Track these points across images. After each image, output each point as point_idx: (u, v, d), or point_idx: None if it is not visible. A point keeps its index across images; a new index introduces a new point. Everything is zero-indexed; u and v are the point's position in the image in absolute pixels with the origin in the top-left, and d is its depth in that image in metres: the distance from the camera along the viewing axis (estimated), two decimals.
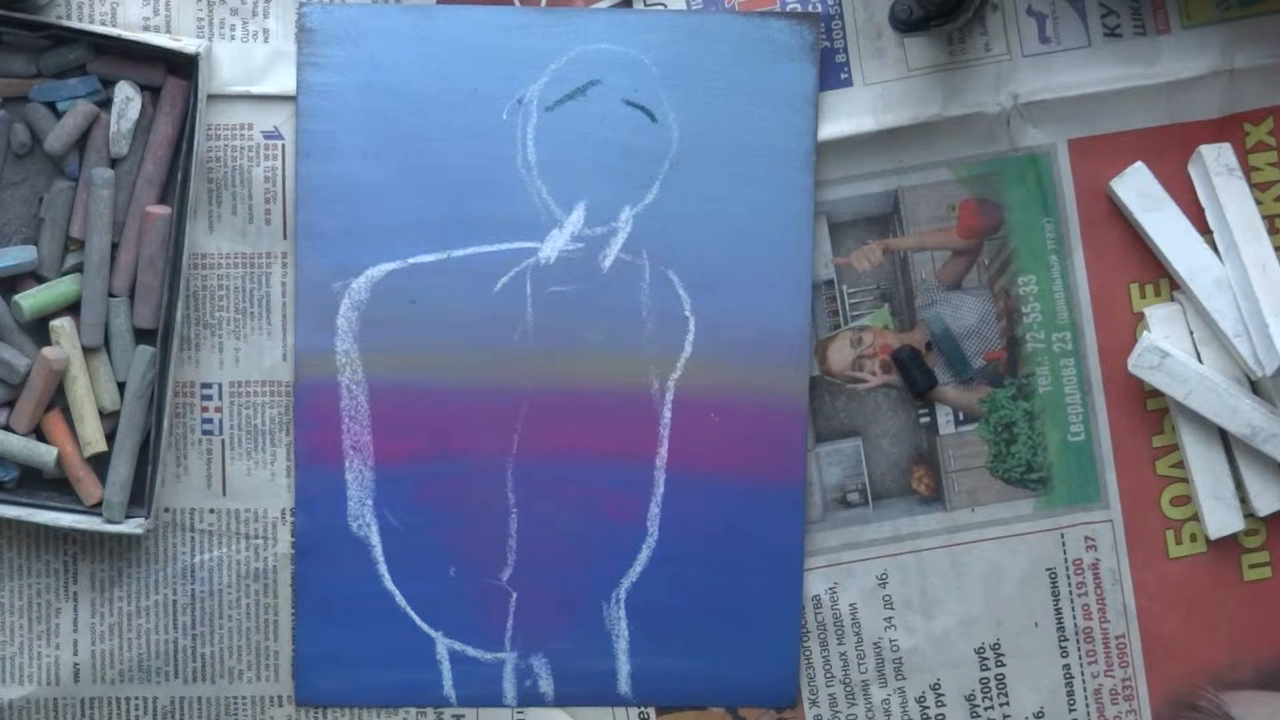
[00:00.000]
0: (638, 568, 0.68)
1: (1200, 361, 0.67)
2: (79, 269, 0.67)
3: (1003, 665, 0.69)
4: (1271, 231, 0.67)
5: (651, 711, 0.69)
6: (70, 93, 0.66)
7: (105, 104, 0.67)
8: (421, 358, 0.67)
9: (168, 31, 0.67)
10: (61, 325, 0.66)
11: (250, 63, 0.67)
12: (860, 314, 0.69)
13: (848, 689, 0.69)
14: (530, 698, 0.69)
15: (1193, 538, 0.69)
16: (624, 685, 0.69)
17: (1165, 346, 0.66)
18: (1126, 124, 0.68)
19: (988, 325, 0.69)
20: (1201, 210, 0.68)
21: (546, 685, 0.69)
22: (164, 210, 0.66)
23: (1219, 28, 0.68)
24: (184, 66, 0.66)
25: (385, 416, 0.67)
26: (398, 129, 0.66)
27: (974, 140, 0.68)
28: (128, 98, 0.66)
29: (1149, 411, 0.69)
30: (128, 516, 0.67)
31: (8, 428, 0.67)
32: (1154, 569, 0.69)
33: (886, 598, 0.69)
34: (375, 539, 0.68)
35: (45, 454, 0.67)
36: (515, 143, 0.67)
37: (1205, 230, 0.67)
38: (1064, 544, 0.69)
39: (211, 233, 0.68)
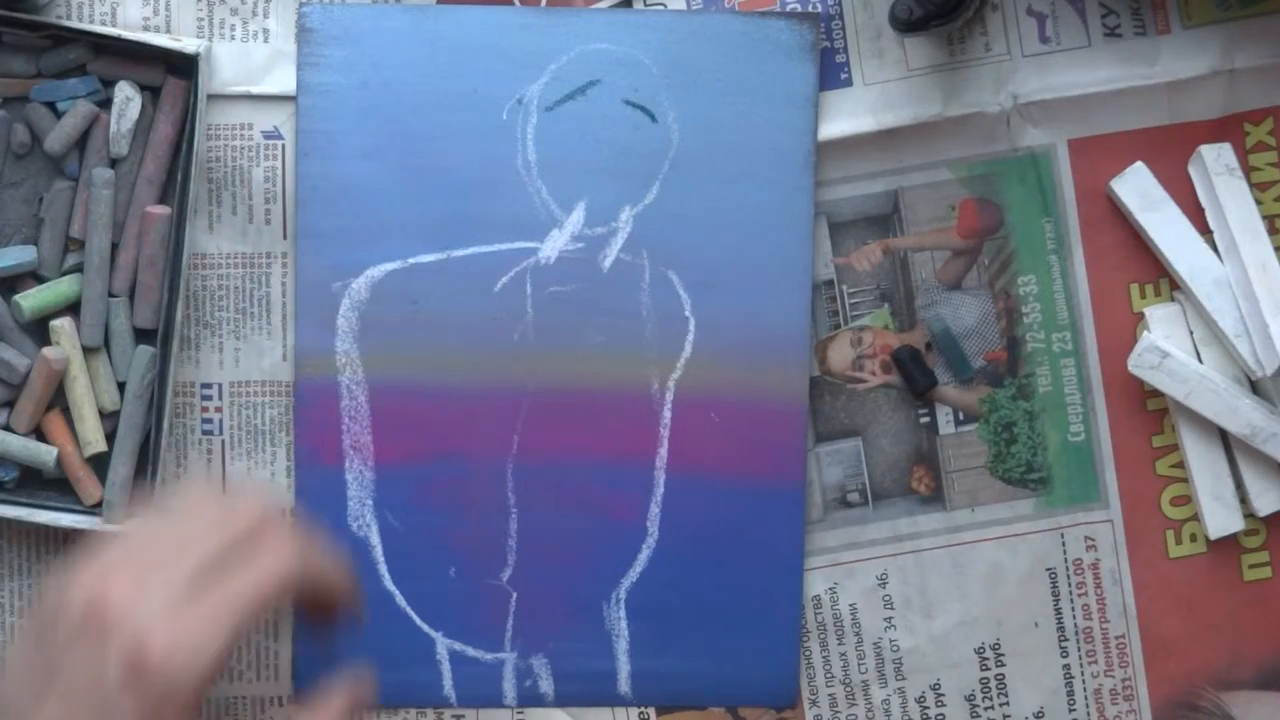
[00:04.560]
0: (638, 568, 0.68)
1: (1200, 361, 0.67)
2: (79, 269, 0.67)
3: (1003, 665, 0.69)
4: (1271, 231, 0.67)
5: (651, 711, 0.69)
6: (70, 93, 0.66)
7: (105, 104, 0.66)
8: (421, 358, 0.67)
9: (168, 31, 0.67)
10: (61, 325, 0.66)
11: (250, 63, 0.67)
12: (860, 314, 0.69)
13: (848, 689, 0.69)
14: (530, 698, 0.69)
15: (1193, 538, 0.69)
16: (624, 685, 0.69)
17: (1165, 346, 0.66)
18: (1126, 124, 0.68)
19: (988, 325, 0.69)
20: (1201, 210, 0.68)
21: (546, 685, 0.69)
22: (164, 210, 0.66)
23: (1219, 28, 0.68)
24: (184, 66, 0.66)
25: (385, 417, 0.67)
26: (398, 129, 0.66)
27: (974, 140, 0.68)
28: (128, 98, 0.66)
29: (1149, 411, 0.69)
30: (128, 517, 0.67)
31: (8, 428, 0.67)
32: (1154, 569, 0.69)
33: (886, 598, 0.69)
34: (375, 539, 0.68)
35: (45, 454, 0.67)
36: (515, 143, 0.67)
37: (1205, 230, 0.67)
38: (1064, 544, 0.69)
39: (211, 233, 0.68)
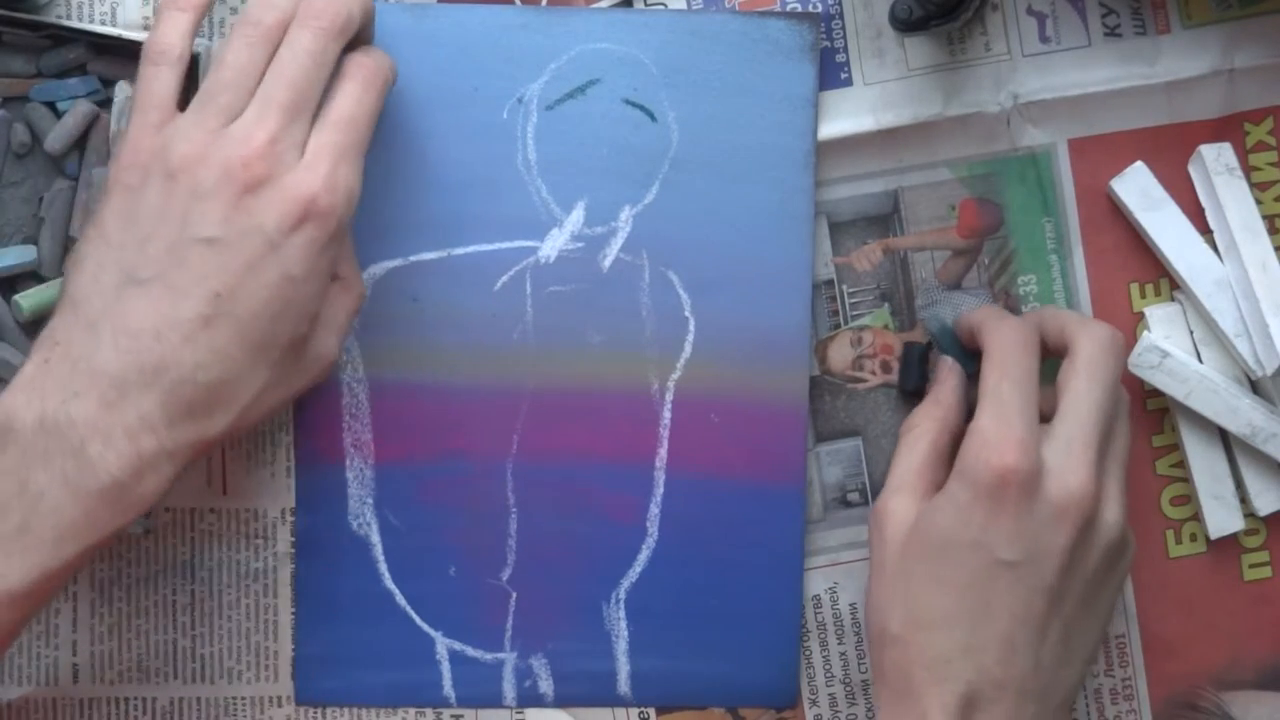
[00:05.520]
0: (637, 568, 0.68)
1: (1200, 361, 0.67)
2: None
3: None
4: (1271, 231, 0.67)
5: (651, 712, 0.69)
6: (70, 93, 0.66)
7: (105, 104, 0.67)
8: (422, 355, 0.67)
9: None
10: None
11: None
12: (860, 314, 0.69)
13: (848, 689, 0.69)
14: (530, 698, 0.69)
15: (1193, 538, 0.69)
16: (624, 685, 0.69)
17: (1165, 346, 0.66)
18: (1126, 124, 0.68)
19: None
20: (1201, 210, 0.68)
21: (546, 686, 0.69)
22: None
23: (1219, 28, 0.68)
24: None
25: (386, 415, 0.67)
26: (398, 127, 0.66)
27: (974, 140, 0.68)
28: (128, 98, 0.66)
29: (1149, 411, 0.69)
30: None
31: None
32: (1154, 569, 0.69)
33: None
34: (376, 538, 0.68)
35: None
36: (515, 142, 0.67)
37: (1205, 230, 0.68)
38: None
39: None
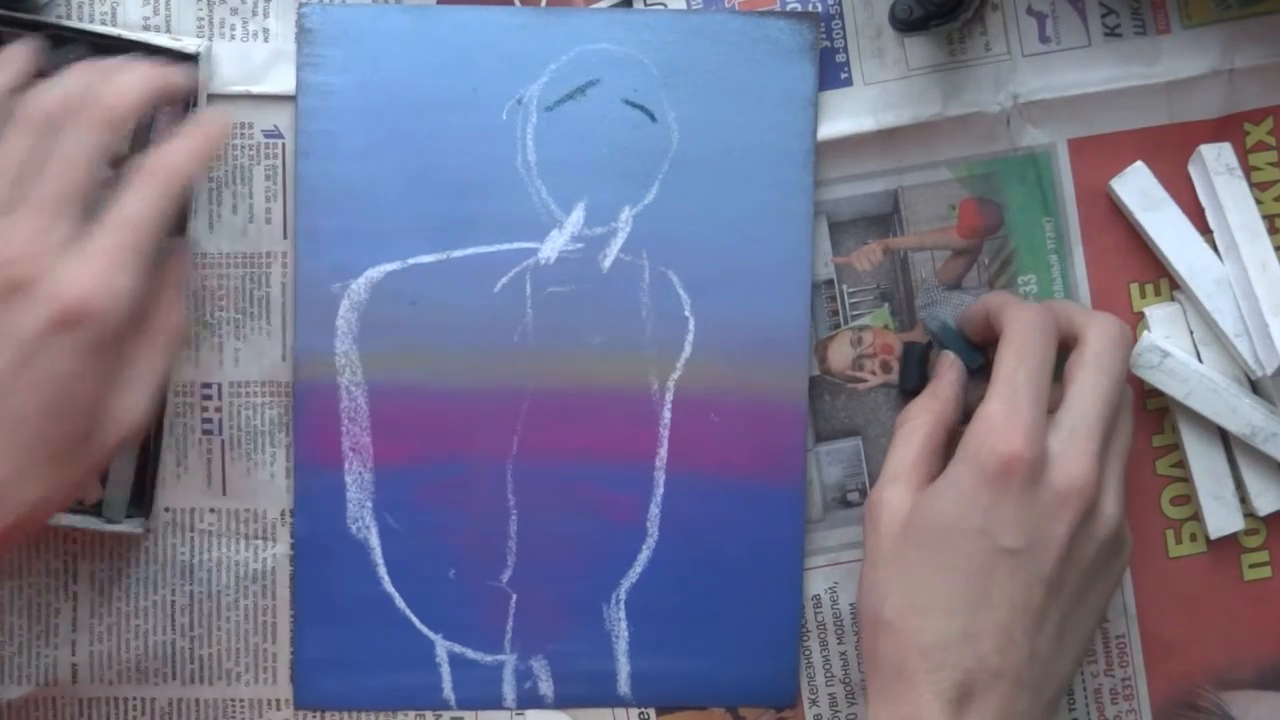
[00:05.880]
0: (637, 568, 0.68)
1: (1200, 361, 0.67)
2: None
3: None
4: (1271, 231, 0.67)
5: (651, 712, 0.69)
6: None
7: None
8: (421, 359, 0.67)
9: (168, 31, 0.67)
10: None
11: (250, 62, 0.67)
12: (860, 314, 0.69)
13: (848, 689, 0.69)
14: (530, 700, 0.69)
15: (1193, 537, 0.69)
16: (624, 686, 0.69)
17: (1165, 346, 0.66)
18: (1126, 124, 0.68)
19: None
20: (1201, 210, 0.68)
21: (546, 687, 0.69)
22: None
23: (1219, 28, 0.68)
24: (184, 66, 0.66)
25: (384, 418, 0.67)
26: (398, 129, 0.66)
27: (974, 140, 0.68)
28: None
29: (1149, 411, 0.69)
30: (128, 516, 0.67)
31: None
32: (1154, 569, 0.69)
33: None
34: (375, 541, 0.68)
35: None
36: (515, 143, 0.67)
37: (1205, 230, 0.68)
38: None
39: (212, 232, 0.68)
